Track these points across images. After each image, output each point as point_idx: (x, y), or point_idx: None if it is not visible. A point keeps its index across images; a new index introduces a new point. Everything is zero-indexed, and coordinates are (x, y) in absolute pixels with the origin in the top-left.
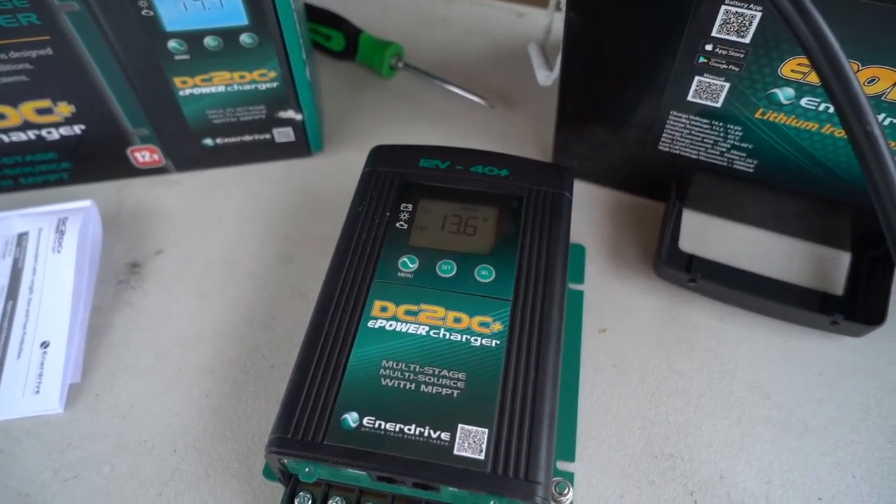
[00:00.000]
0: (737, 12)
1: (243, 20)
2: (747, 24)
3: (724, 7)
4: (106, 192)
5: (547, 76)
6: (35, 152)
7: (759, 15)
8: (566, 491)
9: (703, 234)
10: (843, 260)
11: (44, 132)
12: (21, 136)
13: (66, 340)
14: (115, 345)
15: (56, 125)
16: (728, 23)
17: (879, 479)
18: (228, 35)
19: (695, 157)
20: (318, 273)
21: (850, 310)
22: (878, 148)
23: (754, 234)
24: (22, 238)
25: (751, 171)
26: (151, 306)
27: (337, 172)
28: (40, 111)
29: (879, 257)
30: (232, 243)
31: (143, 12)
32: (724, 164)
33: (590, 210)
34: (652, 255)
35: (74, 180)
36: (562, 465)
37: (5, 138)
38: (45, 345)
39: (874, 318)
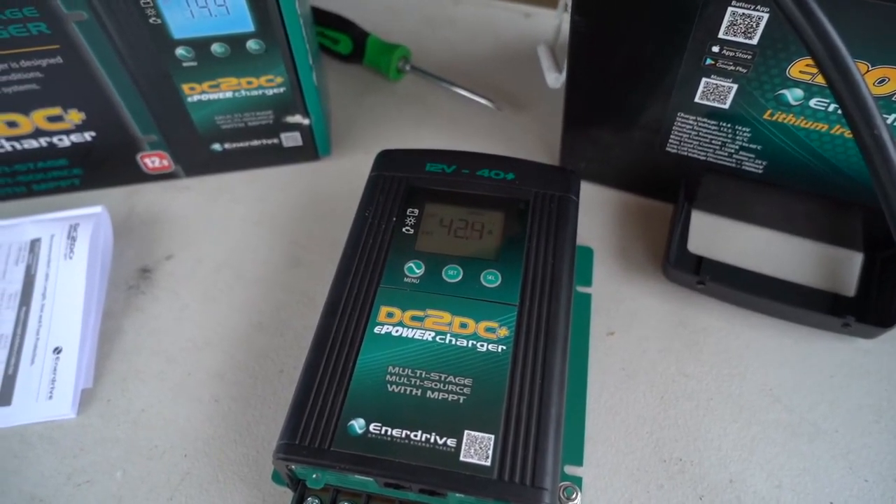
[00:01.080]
0: (743, 14)
1: (249, 27)
2: (754, 25)
3: (730, 9)
4: (116, 198)
5: (556, 78)
6: (47, 159)
7: (766, 16)
8: (574, 496)
9: (713, 235)
10: (855, 260)
11: (55, 139)
12: (33, 144)
13: (78, 346)
14: (126, 350)
15: (67, 132)
16: (735, 24)
17: (892, 483)
18: (235, 41)
19: (703, 158)
20: (326, 277)
21: (862, 311)
22: (887, 152)
23: (764, 235)
24: (34, 244)
25: (760, 172)
26: (161, 311)
27: (345, 176)
28: (51, 119)
29: (892, 258)
30: (241, 248)
31: (151, 20)
32: (733, 165)
33: (598, 212)
34: (660, 257)
35: (85, 186)
36: (570, 470)
37: (17, 146)
38: (57, 350)
39: (886, 319)
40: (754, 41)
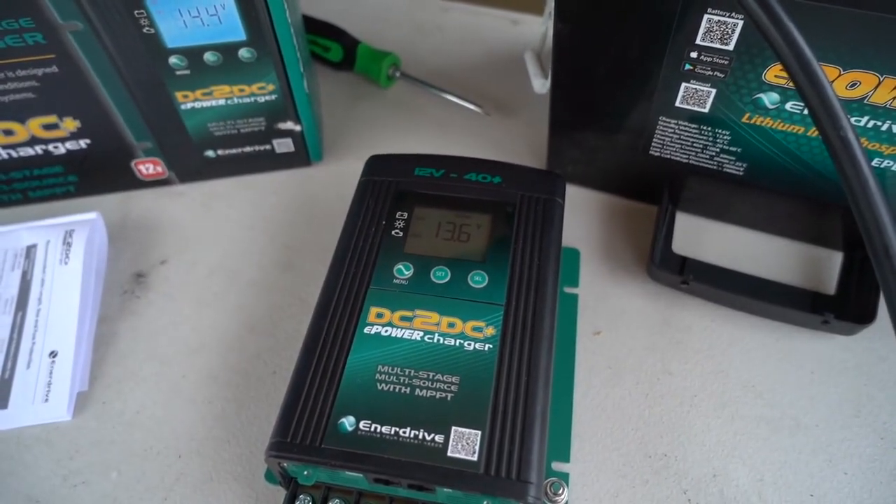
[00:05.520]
0: (719, 21)
1: (241, 36)
2: (730, 31)
3: (707, 16)
4: (111, 204)
5: (542, 84)
6: (42, 166)
7: (740, 23)
8: (561, 491)
9: (696, 236)
10: (835, 260)
11: (51, 147)
12: (29, 151)
13: (73, 350)
14: (120, 353)
15: (62, 140)
16: (711, 31)
17: (871, 476)
18: (227, 50)
19: (685, 160)
20: (318, 280)
21: (842, 309)
22: (853, 152)
23: (747, 236)
24: (30, 250)
25: (741, 174)
26: (156, 315)
27: (336, 181)
28: (47, 126)
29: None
30: (234, 252)
31: (145, 30)
32: (715, 167)
33: (584, 214)
34: (645, 257)
35: (81, 193)
36: (557, 466)
37: (14, 153)
38: (53, 354)
39: (865, 316)
40: (730, 47)
